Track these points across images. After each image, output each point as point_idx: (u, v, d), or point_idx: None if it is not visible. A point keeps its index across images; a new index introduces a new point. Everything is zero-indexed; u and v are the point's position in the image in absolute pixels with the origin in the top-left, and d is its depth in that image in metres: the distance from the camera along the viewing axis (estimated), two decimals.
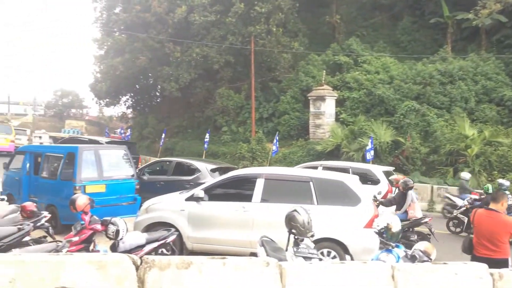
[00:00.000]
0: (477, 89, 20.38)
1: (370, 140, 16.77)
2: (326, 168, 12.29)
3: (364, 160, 16.69)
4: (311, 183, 7.50)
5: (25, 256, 2.89)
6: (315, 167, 12.46)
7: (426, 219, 8.83)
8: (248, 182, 8.01)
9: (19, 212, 7.74)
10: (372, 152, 16.38)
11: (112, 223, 6.06)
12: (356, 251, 7.02)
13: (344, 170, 11.28)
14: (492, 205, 5.69)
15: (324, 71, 22.84)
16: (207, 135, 21.81)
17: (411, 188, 9.11)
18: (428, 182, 16.23)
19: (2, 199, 9.69)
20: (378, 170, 12.07)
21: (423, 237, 8.61)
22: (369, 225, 7.03)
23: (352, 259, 6.90)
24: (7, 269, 2.66)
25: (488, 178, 16.24)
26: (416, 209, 9.13)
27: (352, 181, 7.59)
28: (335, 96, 21.67)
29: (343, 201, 7.33)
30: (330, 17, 26.84)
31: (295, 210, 5.12)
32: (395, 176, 10.85)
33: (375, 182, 11.57)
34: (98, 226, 6.25)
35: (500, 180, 11.99)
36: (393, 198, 9.44)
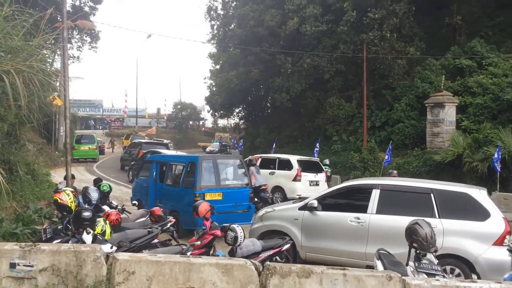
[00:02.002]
0: None
1: (497, 150, 15.36)
2: (264, 159, 16.55)
3: (493, 171, 15.32)
4: (431, 194, 7.10)
5: (161, 257, 3.17)
6: (256, 158, 16.19)
7: (263, 186, 12.88)
8: (362, 193, 7.83)
9: (148, 216, 8.51)
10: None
11: (231, 230, 6.33)
12: (484, 270, 6.49)
13: (273, 160, 16.27)
14: None
15: (443, 76, 21.55)
16: (317, 145, 21.81)
17: (253, 165, 13.14)
18: None
19: (134, 204, 10.70)
20: (294, 159, 16.03)
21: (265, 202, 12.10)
22: (500, 242, 6.51)
23: (478, 278, 6.36)
24: (146, 268, 2.95)
25: None
26: (257, 180, 12.99)
27: (479, 194, 6.99)
28: (455, 102, 20.30)
29: (469, 215, 6.82)
30: (450, 19, 25.15)
31: (416, 223, 4.84)
32: (255, 156, 15.35)
33: (290, 167, 15.55)
34: (218, 232, 6.57)
35: (325, 160, 16.61)
36: None
